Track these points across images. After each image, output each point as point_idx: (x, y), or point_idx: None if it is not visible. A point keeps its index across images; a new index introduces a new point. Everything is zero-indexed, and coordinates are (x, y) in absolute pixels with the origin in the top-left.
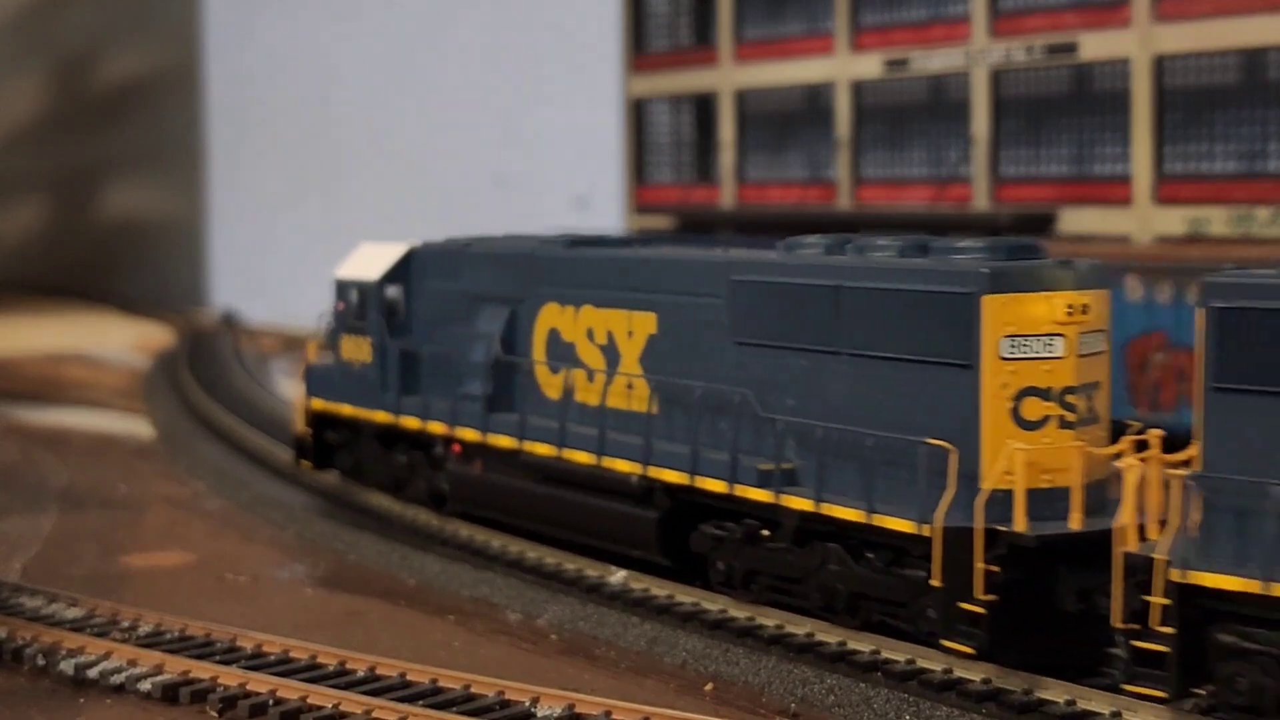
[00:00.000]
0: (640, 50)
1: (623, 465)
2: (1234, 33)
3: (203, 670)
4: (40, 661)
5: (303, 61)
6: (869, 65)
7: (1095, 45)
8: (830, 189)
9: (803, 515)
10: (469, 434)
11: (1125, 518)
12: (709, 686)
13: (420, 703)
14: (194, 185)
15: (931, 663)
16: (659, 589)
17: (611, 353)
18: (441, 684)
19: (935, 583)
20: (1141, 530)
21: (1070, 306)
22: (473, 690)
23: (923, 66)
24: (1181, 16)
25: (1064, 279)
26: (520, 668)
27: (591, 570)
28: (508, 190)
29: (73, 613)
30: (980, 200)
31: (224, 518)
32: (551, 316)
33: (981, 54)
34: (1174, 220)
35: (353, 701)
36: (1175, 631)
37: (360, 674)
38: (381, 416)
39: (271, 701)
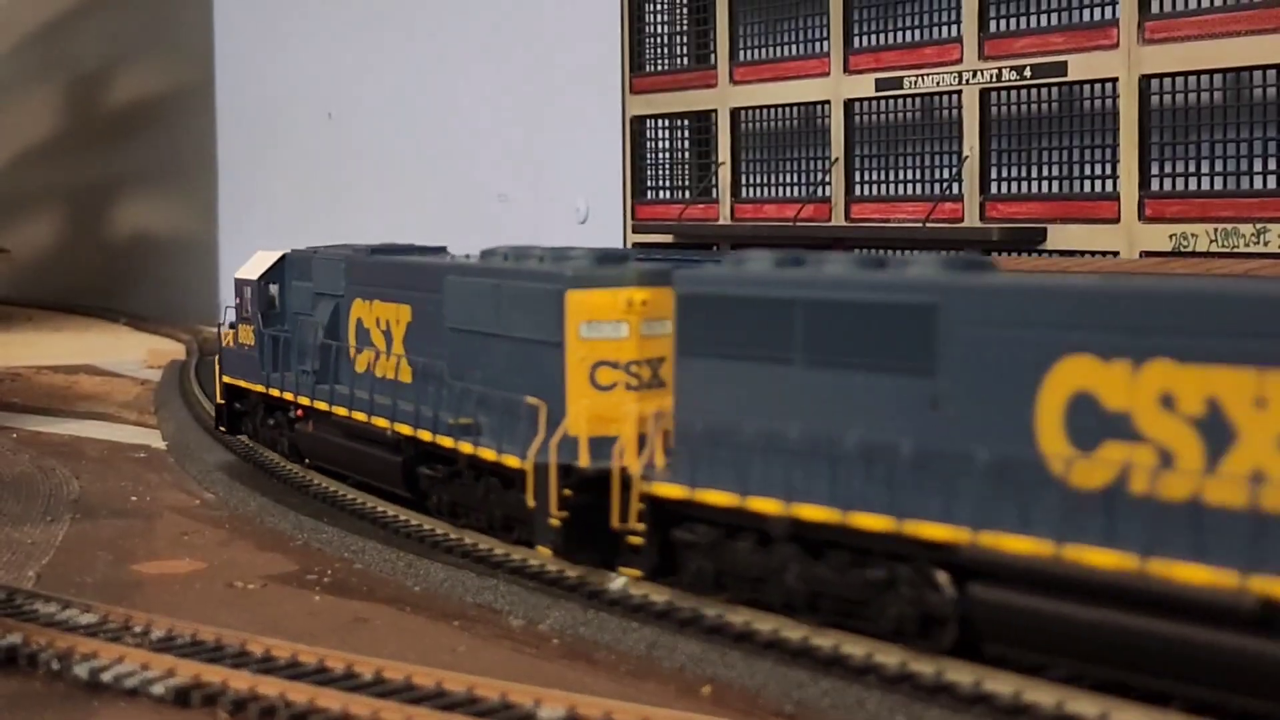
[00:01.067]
0: (639, 71)
1: (381, 422)
2: (1219, 54)
3: (213, 674)
4: (55, 666)
5: (314, 80)
6: (862, 85)
7: (1083, 66)
8: (825, 206)
9: (469, 457)
10: (304, 400)
11: (626, 445)
12: (707, 689)
13: (425, 705)
14: (206, 201)
15: (923, 666)
16: (658, 595)
17: (389, 336)
18: (446, 687)
19: (530, 503)
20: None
21: (630, 300)
22: (477, 693)
23: (914, 87)
24: (1167, 38)
25: (629, 279)
26: (523, 671)
27: (593, 577)
28: (510, 206)
29: (86, 618)
30: (971, 217)
31: (233, 526)
32: (358, 309)
33: (972, 75)
34: (1159, 237)
35: (360, 704)
36: (648, 528)
37: (367, 677)
38: (259, 388)
39: (281, 704)
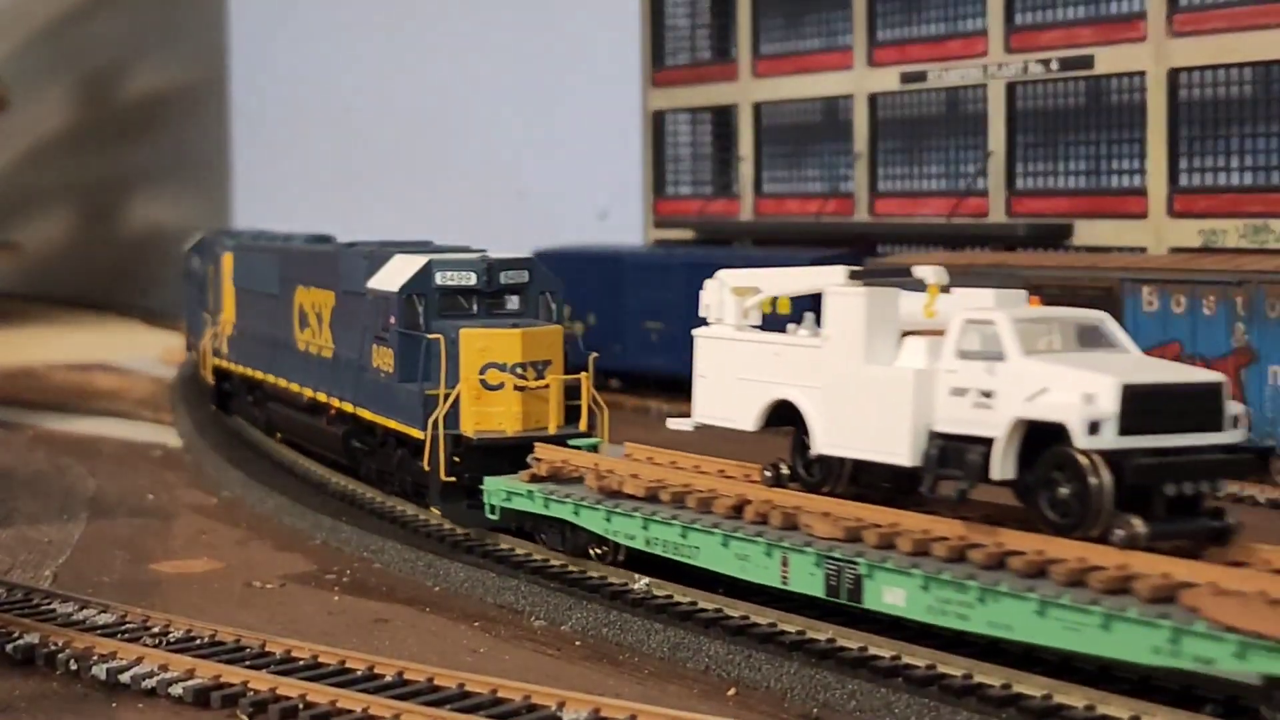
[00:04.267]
0: (660, 65)
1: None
2: (1248, 47)
3: (233, 675)
4: (73, 666)
5: (327, 76)
6: (886, 79)
7: (1110, 59)
8: (848, 201)
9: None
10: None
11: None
12: (732, 691)
13: (448, 707)
14: (219, 198)
15: (952, 668)
16: (681, 595)
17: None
18: (469, 688)
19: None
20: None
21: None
22: (500, 695)
23: (939, 80)
24: (1196, 31)
25: None
26: (545, 673)
27: (615, 578)
28: (530, 202)
29: (104, 618)
30: (996, 213)
31: (251, 525)
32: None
33: (998, 68)
34: (1189, 233)
35: (381, 705)
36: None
37: (388, 679)
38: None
39: (301, 705)
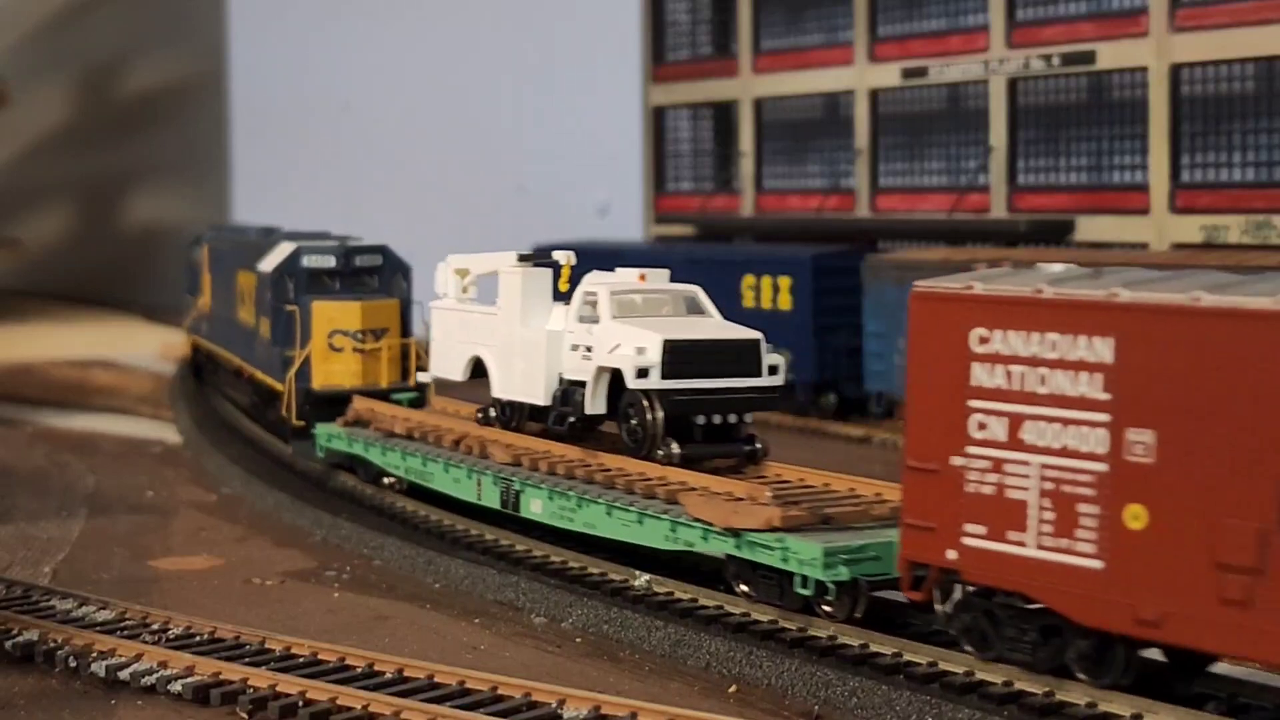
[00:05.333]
0: (660, 60)
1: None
2: (1250, 42)
3: (233, 672)
4: (72, 663)
5: (327, 71)
6: (887, 75)
7: (1112, 55)
8: (849, 197)
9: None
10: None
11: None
12: (733, 689)
13: (448, 704)
14: (218, 193)
15: (953, 665)
16: (683, 593)
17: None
18: (469, 685)
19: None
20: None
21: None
22: (500, 692)
23: (940, 76)
24: (1198, 26)
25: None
26: (546, 670)
27: (615, 574)
28: (530, 198)
29: (103, 615)
30: (998, 209)
31: (250, 522)
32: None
33: (999, 63)
34: (1190, 228)
35: (382, 703)
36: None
37: (388, 676)
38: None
39: (301, 703)
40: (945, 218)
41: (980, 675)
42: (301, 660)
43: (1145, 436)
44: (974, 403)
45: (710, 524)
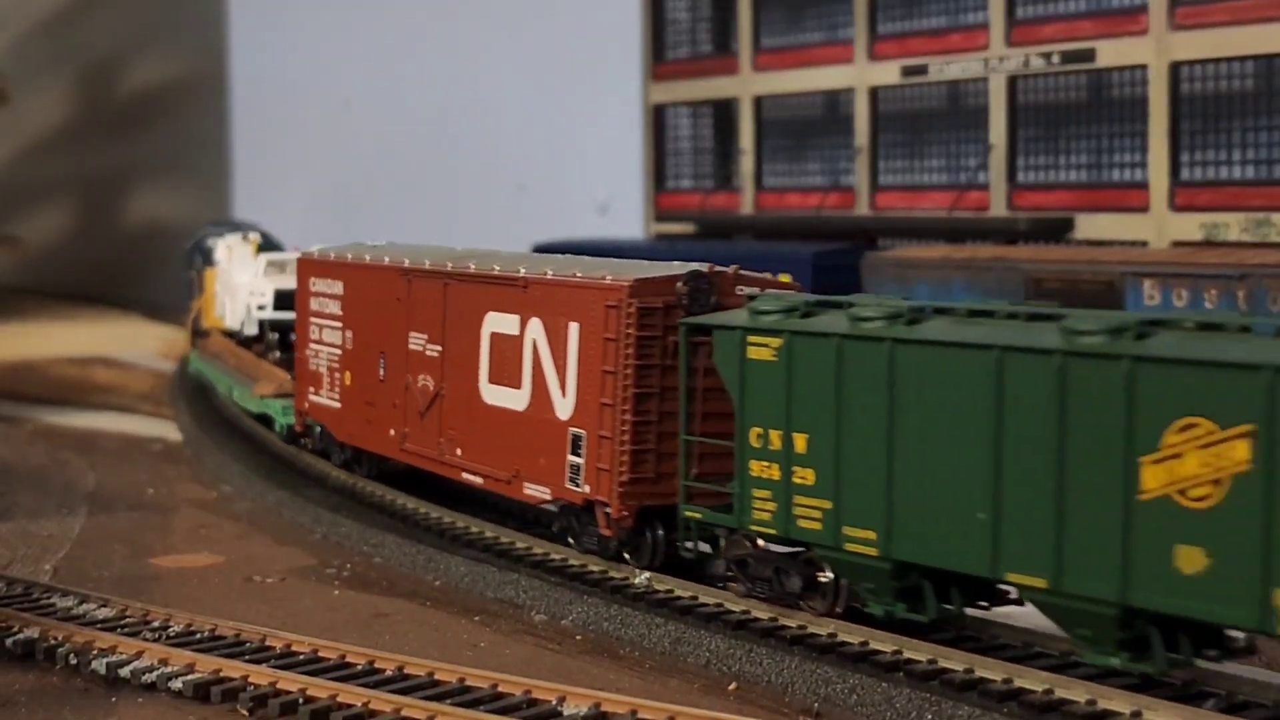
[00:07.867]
0: (660, 58)
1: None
2: (1250, 40)
3: (233, 669)
4: (73, 661)
5: (327, 69)
6: (887, 73)
7: (1112, 53)
8: (849, 195)
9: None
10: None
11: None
12: (733, 686)
13: (448, 701)
14: (219, 191)
15: (953, 663)
16: (682, 590)
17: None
18: (469, 683)
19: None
20: None
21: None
22: (500, 689)
23: (940, 74)
24: (1198, 24)
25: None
26: (546, 667)
27: (616, 572)
28: (530, 196)
29: (104, 613)
30: (998, 206)
31: (251, 520)
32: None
33: (999, 61)
34: (1190, 226)
35: (382, 700)
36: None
37: (389, 673)
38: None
39: (301, 700)
40: (945, 215)
41: (980, 673)
42: (302, 657)
43: (350, 334)
44: (311, 319)
45: (263, 394)
